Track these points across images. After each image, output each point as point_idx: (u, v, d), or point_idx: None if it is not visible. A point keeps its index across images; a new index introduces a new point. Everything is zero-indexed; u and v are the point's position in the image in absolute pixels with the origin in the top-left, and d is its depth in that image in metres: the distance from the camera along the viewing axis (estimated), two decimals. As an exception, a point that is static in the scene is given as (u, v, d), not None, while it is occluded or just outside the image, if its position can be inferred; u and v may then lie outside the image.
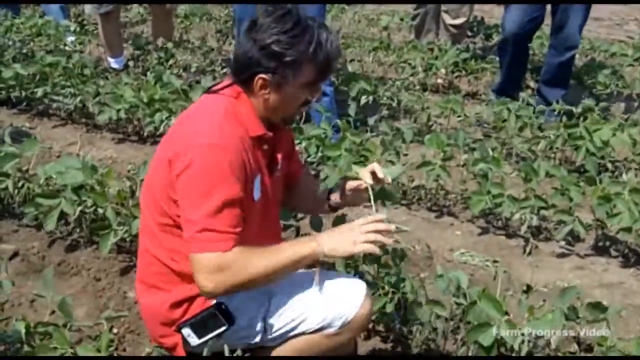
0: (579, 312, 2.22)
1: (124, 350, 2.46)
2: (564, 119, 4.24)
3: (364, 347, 2.46)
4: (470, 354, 2.35)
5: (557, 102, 4.47)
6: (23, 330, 2.07)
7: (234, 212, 1.87)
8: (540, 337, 2.25)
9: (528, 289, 2.37)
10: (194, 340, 1.96)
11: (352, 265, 2.52)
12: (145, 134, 4.30)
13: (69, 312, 2.17)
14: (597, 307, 2.22)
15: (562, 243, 3.29)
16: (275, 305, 2.02)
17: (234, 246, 1.85)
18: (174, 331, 2.00)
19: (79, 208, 2.95)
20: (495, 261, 2.54)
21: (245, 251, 1.87)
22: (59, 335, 2.04)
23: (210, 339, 1.95)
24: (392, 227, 1.91)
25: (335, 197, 2.34)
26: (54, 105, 4.74)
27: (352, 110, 4.09)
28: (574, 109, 4.43)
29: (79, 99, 4.53)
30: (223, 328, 1.95)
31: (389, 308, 2.35)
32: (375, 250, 1.88)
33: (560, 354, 2.24)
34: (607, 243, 3.30)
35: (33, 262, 2.97)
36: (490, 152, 3.61)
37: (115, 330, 2.52)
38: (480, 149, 3.65)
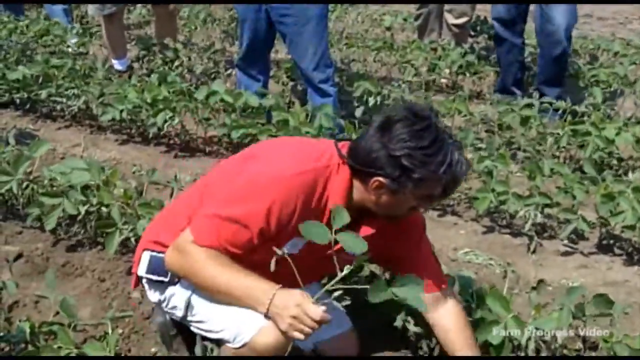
0: (585, 311, 2.22)
1: (129, 350, 2.46)
2: (569, 117, 4.23)
3: (369, 347, 2.45)
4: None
5: (558, 100, 4.47)
6: (27, 330, 2.07)
7: (241, 235, 1.89)
8: (546, 335, 2.25)
9: (538, 285, 2.35)
10: (142, 269, 2.10)
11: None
12: (150, 135, 4.30)
13: (71, 311, 2.17)
14: (604, 301, 2.22)
15: (566, 241, 3.28)
16: (200, 293, 2.04)
17: (209, 248, 1.89)
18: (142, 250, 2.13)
19: (85, 208, 2.95)
20: (507, 263, 2.53)
21: (214, 257, 1.89)
22: (64, 335, 2.04)
23: (152, 280, 2.09)
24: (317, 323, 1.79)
25: None
26: (58, 107, 4.76)
27: (358, 112, 4.08)
28: (577, 108, 4.43)
29: (82, 100, 4.54)
30: (164, 279, 2.06)
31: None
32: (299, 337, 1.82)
33: (566, 352, 2.23)
34: (611, 241, 3.29)
35: (37, 263, 2.97)
36: (495, 151, 3.61)
37: (120, 331, 2.52)
38: (488, 146, 3.65)
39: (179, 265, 1.95)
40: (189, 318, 2.09)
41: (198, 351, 1.97)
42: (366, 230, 2.05)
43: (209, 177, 2.15)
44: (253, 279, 1.89)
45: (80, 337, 2.41)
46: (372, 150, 1.89)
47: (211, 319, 2.02)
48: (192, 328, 2.12)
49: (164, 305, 2.14)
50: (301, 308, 1.78)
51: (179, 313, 2.10)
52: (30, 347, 2.07)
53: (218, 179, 2.07)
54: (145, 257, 2.11)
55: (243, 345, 1.92)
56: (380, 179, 1.89)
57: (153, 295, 2.16)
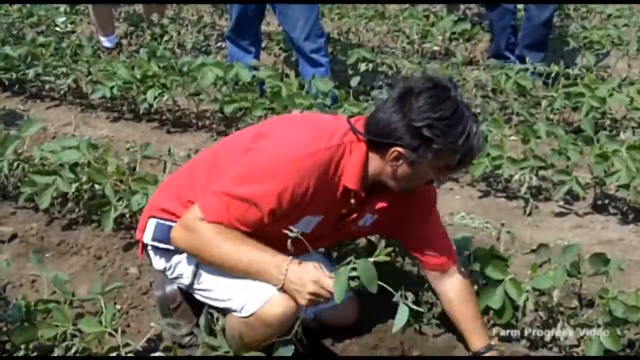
0: (581, 268, 2.22)
1: (128, 325, 2.46)
2: (562, 80, 4.22)
3: (366, 315, 2.45)
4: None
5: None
6: (23, 309, 2.06)
7: (251, 213, 1.88)
8: (542, 294, 2.26)
9: (539, 247, 2.34)
10: (147, 236, 2.09)
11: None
12: (141, 111, 4.27)
13: (65, 288, 2.17)
14: (599, 259, 2.22)
15: (561, 203, 3.29)
16: None
17: (217, 224, 1.87)
18: (147, 218, 2.12)
19: (75, 185, 2.93)
20: (501, 224, 2.52)
21: (221, 232, 1.88)
22: (59, 312, 2.04)
23: (158, 248, 2.08)
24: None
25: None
26: (47, 86, 4.72)
27: (354, 82, 4.05)
28: (570, 70, 4.41)
29: (71, 78, 4.50)
30: (170, 246, 2.04)
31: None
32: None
33: (562, 309, 2.24)
34: (606, 201, 3.30)
35: (32, 243, 2.96)
36: (490, 115, 3.60)
37: (118, 307, 2.52)
38: (482, 111, 3.64)
39: (188, 242, 1.93)
40: (195, 286, 2.08)
41: (202, 321, 1.95)
42: (380, 204, 2.06)
43: (216, 151, 2.12)
44: (263, 253, 1.88)
45: (78, 314, 2.40)
46: (392, 120, 1.88)
47: (218, 288, 2.01)
48: (197, 296, 2.11)
49: (169, 273, 2.13)
50: (319, 284, 1.80)
51: (185, 281, 2.10)
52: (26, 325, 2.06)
53: (227, 154, 2.04)
54: (151, 224, 2.09)
55: (250, 315, 1.91)
56: (399, 149, 1.88)
57: (158, 263, 2.14)
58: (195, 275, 2.06)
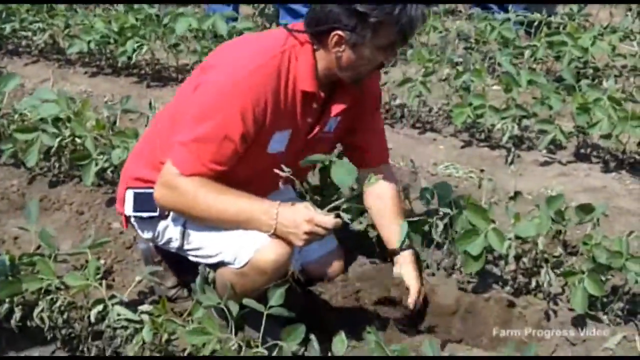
0: (565, 215, 2.24)
1: (113, 280, 2.46)
2: (545, 29, 4.19)
3: (351, 266, 2.46)
4: (457, 264, 2.38)
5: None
6: (8, 263, 2.05)
7: (224, 148, 1.86)
8: (526, 242, 2.27)
9: (515, 196, 2.37)
10: (128, 208, 2.07)
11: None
12: (120, 65, 4.20)
13: (51, 242, 2.15)
14: (585, 208, 2.24)
15: (544, 152, 3.30)
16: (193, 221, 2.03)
17: (198, 175, 1.86)
18: (124, 189, 2.10)
19: (57, 140, 2.89)
20: (480, 171, 2.53)
21: (204, 185, 1.87)
22: (44, 266, 2.03)
23: (140, 217, 2.07)
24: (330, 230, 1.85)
25: (399, 261, 2.25)
26: (24, 42, 4.64)
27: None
28: (552, 19, 4.38)
29: (48, 33, 4.41)
30: (153, 214, 2.04)
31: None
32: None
33: (546, 256, 2.26)
34: (588, 150, 3.32)
35: (14, 199, 2.94)
36: (472, 66, 3.57)
37: (102, 261, 2.51)
38: (464, 61, 3.62)
39: (172, 201, 1.92)
40: (185, 247, 2.07)
41: (198, 281, 1.94)
42: (340, 105, 2.07)
43: (175, 102, 2.09)
44: (250, 201, 1.89)
45: (62, 269, 2.39)
46: (327, 5, 1.87)
47: (208, 244, 2.00)
48: (190, 258, 2.09)
49: (158, 240, 2.12)
50: (313, 222, 1.81)
51: (175, 244, 2.08)
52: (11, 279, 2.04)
53: (183, 100, 2.01)
54: (129, 195, 2.07)
55: (244, 265, 1.91)
56: (339, 32, 1.86)
57: (146, 234, 2.13)
58: (183, 235, 2.05)
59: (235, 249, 1.92)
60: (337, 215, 1.82)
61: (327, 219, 1.81)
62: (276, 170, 1.81)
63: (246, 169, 1.95)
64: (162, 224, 2.07)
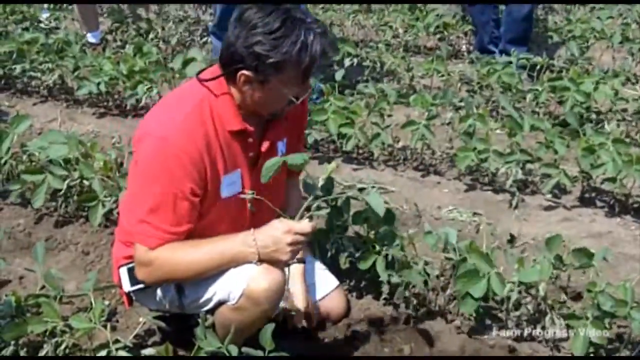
0: (566, 260, 2.24)
1: (117, 321, 2.46)
2: (547, 73, 4.24)
3: (356, 306, 2.47)
4: (459, 309, 2.37)
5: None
6: (13, 304, 2.06)
7: (179, 208, 1.89)
8: (530, 287, 2.27)
9: (512, 239, 2.39)
10: (126, 285, 2.08)
11: (342, 225, 2.50)
12: (127, 106, 4.25)
13: (56, 283, 2.17)
14: (583, 253, 2.24)
15: (549, 196, 3.30)
16: None
17: (164, 244, 1.90)
18: (118, 269, 2.12)
19: (66, 182, 2.92)
20: (478, 215, 2.54)
21: (175, 248, 1.91)
22: (49, 307, 2.04)
23: (137, 289, 2.07)
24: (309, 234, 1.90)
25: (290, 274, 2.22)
26: (33, 82, 4.70)
27: (338, 75, 4.04)
28: (555, 63, 4.43)
29: (57, 74, 4.47)
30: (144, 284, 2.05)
31: (380, 266, 2.36)
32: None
33: (550, 302, 2.26)
34: (593, 194, 3.32)
35: (20, 239, 2.95)
36: (475, 110, 3.61)
37: (107, 302, 2.51)
38: (467, 105, 3.65)
39: (155, 276, 1.97)
40: (185, 304, 2.08)
41: (200, 330, 1.94)
42: (278, 127, 2.09)
43: (129, 181, 2.11)
44: (225, 241, 1.93)
45: (67, 310, 2.40)
46: (230, 44, 1.89)
47: (203, 291, 2.02)
48: (192, 312, 2.10)
49: (162, 307, 2.14)
50: (292, 232, 1.86)
51: (177, 303, 2.09)
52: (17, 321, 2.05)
53: (131, 179, 2.04)
54: (124, 272, 2.09)
55: (239, 298, 1.92)
56: (245, 72, 1.88)
57: (150, 303, 2.16)
58: (179, 293, 2.07)
59: (227, 285, 1.95)
60: (311, 218, 1.88)
61: (304, 224, 1.88)
62: (242, 195, 1.88)
63: (213, 218, 1.99)
64: (158, 292, 2.10)
